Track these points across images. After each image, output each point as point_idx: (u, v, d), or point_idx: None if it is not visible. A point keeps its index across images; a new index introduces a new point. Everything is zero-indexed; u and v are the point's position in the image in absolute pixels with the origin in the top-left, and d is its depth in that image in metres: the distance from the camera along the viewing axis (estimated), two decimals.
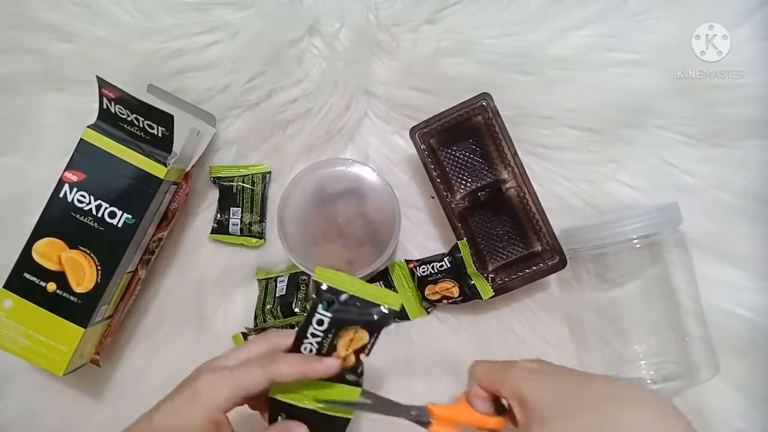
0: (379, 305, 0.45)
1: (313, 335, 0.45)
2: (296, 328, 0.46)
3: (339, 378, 0.46)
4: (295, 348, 0.46)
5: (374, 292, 0.45)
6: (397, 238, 0.59)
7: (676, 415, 0.39)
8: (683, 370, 0.59)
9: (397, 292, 0.65)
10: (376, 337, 0.46)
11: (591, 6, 0.64)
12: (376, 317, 0.45)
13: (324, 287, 0.45)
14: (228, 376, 0.43)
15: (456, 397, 0.50)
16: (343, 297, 0.45)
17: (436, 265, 0.62)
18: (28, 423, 0.65)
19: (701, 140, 0.64)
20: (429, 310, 0.65)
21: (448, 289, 0.61)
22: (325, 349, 0.46)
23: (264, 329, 0.63)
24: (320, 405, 0.46)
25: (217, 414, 0.42)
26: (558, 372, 0.45)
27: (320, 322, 0.45)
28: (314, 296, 0.45)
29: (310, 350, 0.46)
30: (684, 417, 0.39)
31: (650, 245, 0.60)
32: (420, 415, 0.47)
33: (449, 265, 0.61)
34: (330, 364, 0.45)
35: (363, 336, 0.45)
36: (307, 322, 0.45)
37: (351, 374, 0.46)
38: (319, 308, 0.45)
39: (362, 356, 0.46)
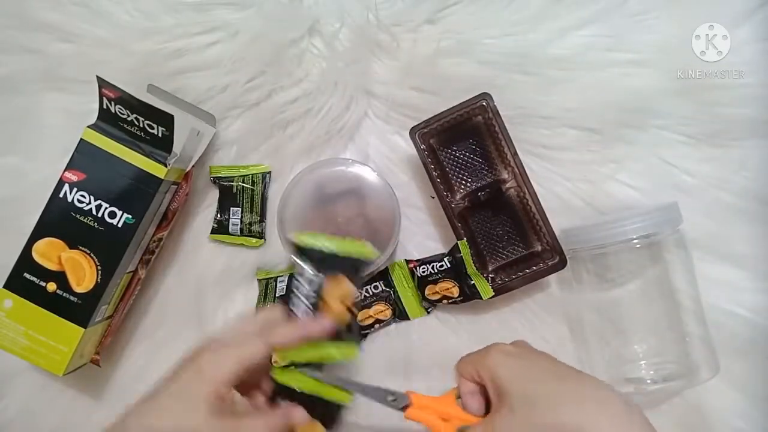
0: (355, 256, 0.49)
1: (298, 289, 0.48)
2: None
3: (336, 338, 0.48)
4: (286, 305, 0.49)
5: (350, 246, 0.49)
6: (397, 238, 0.59)
7: (641, 425, 0.38)
8: (683, 370, 0.59)
9: (397, 291, 0.65)
10: (360, 283, 0.50)
11: (591, 6, 0.64)
12: (354, 263, 0.49)
13: (302, 244, 0.49)
14: (230, 350, 0.44)
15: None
16: (321, 250, 0.49)
17: (436, 265, 0.62)
18: (28, 423, 0.65)
19: (701, 140, 0.64)
20: (429, 310, 0.65)
21: (448, 289, 0.61)
22: (316, 303, 0.48)
23: None
24: (320, 380, 0.48)
25: (222, 389, 0.42)
26: (535, 358, 0.45)
27: (302, 275, 0.48)
28: (294, 256, 0.48)
29: (302, 308, 0.48)
30: (651, 427, 0.38)
31: (650, 245, 0.60)
32: (398, 401, 0.48)
33: (449, 265, 0.61)
34: (324, 322, 0.47)
35: (349, 287, 0.48)
36: (291, 278, 0.48)
37: (347, 333, 0.49)
38: (300, 262, 0.48)
39: (355, 310, 0.49)
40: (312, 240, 0.50)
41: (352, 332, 0.49)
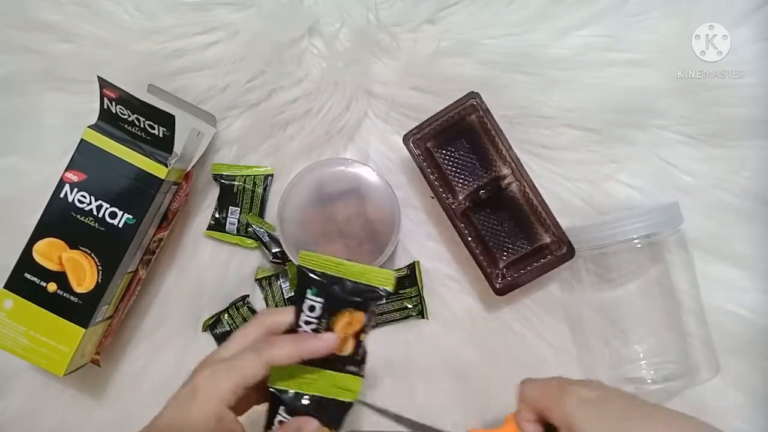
0: (371, 286, 0.44)
1: (307, 323, 0.44)
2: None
3: (339, 368, 0.45)
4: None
5: (362, 272, 0.44)
6: (397, 238, 0.59)
7: None
8: (683, 370, 0.59)
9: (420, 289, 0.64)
10: (372, 316, 0.45)
11: (591, 6, 0.64)
12: (368, 298, 0.44)
13: (311, 273, 0.44)
14: (225, 368, 0.42)
15: (504, 418, 0.47)
16: (332, 280, 0.44)
17: None
18: (28, 423, 0.65)
19: (701, 140, 0.64)
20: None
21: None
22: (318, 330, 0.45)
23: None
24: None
25: (220, 408, 0.41)
26: (611, 400, 0.42)
27: (312, 308, 0.44)
28: (300, 282, 0.44)
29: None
30: None
31: (651, 245, 0.60)
32: None
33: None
34: (328, 339, 0.43)
35: (360, 317, 0.44)
36: (299, 310, 0.44)
37: (351, 365, 0.45)
38: (308, 294, 0.43)
39: (362, 336, 0.44)
40: (321, 263, 0.44)
41: (356, 364, 0.45)
